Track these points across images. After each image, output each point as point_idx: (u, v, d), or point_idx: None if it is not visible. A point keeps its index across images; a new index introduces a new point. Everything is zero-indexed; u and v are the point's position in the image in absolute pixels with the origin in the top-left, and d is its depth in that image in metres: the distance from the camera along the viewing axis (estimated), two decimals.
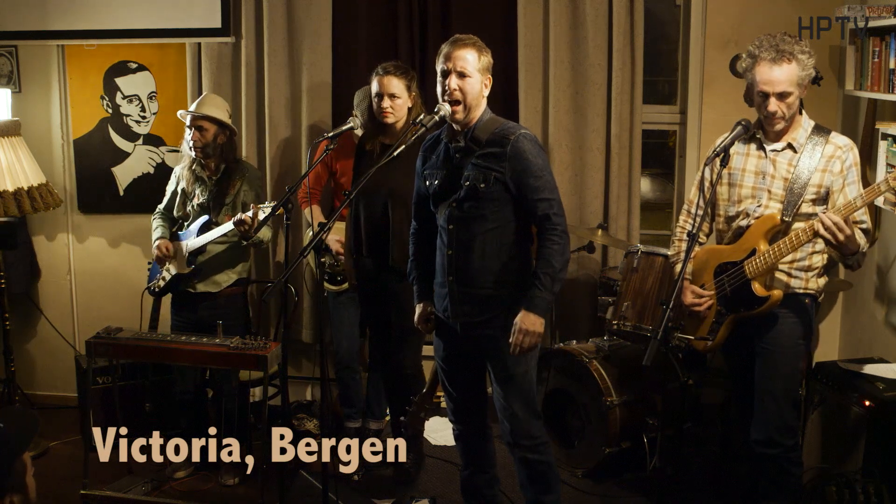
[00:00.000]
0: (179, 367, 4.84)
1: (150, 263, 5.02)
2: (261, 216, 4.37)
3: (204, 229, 4.63)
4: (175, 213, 4.78)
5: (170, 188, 4.86)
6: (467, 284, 3.60)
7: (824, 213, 3.29)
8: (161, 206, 4.88)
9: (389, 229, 4.35)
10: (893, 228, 4.60)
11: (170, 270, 4.73)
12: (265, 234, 4.64)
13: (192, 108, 4.65)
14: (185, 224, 4.74)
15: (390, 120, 4.38)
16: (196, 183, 4.69)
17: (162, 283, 4.77)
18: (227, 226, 4.50)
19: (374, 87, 4.40)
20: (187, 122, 4.62)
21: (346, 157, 4.80)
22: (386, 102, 4.36)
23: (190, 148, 4.62)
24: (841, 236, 3.23)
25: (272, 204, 4.40)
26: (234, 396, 4.77)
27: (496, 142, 3.51)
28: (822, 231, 3.26)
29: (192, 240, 4.64)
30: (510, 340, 3.49)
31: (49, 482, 4.57)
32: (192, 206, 4.70)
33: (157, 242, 4.73)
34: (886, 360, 4.31)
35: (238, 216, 4.42)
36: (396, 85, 4.37)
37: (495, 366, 3.66)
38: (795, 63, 3.41)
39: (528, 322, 3.47)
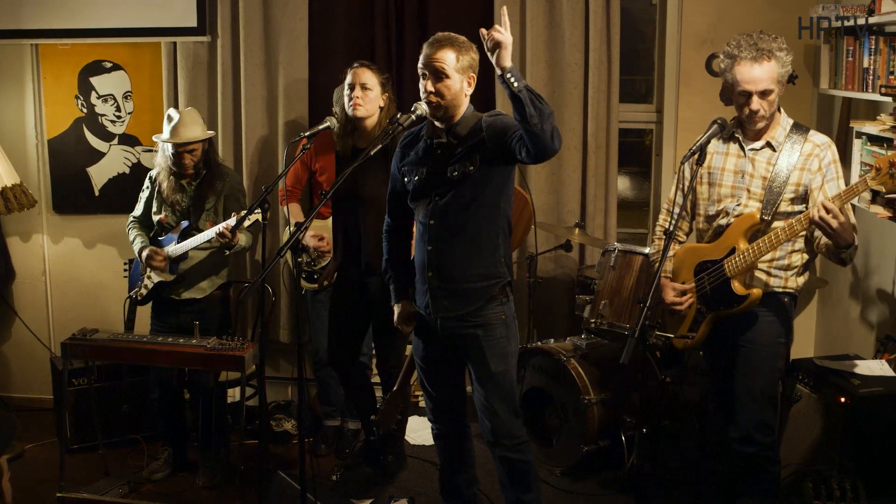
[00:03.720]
0: (156, 369, 4.81)
1: (126, 270, 5.00)
2: (245, 224, 4.37)
3: (184, 236, 4.60)
4: (153, 217, 4.73)
5: (144, 195, 4.80)
6: (447, 279, 3.59)
7: (822, 199, 3.28)
8: (136, 214, 4.82)
9: (367, 231, 4.34)
10: (868, 226, 4.63)
11: (151, 278, 4.68)
12: (245, 240, 4.62)
13: (168, 134, 4.53)
14: (165, 230, 4.69)
15: (360, 112, 4.35)
16: (177, 191, 4.65)
17: (144, 292, 4.72)
18: (209, 233, 4.47)
19: (347, 79, 4.40)
20: (171, 150, 4.54)
21: (325, 155, 4.79)
22: (357, 92, 4.34)
23: (171, 164, 4.58)
24: (835, 223, 3.21)
25: (254, 210, 4.37)
26: (211, 397, 4.75)
27: (475, 131, 3.52)
28: (816, 216, 3.24)
29: (172, 246, 4.61)
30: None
31: (25, 485, 4.54)
32: (176, 213, 4.66)
33: (145, 252, 4.64)
34: (861, 356, 4.34)
35: (219, 227, 4.39)
36: (369, 77, 4.36)
37: (476, 365, 3.66)
38: (775, 61, 3.44)
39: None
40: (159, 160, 4.68)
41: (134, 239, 4.75)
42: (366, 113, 4.37)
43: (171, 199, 4.64)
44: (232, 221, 4.36)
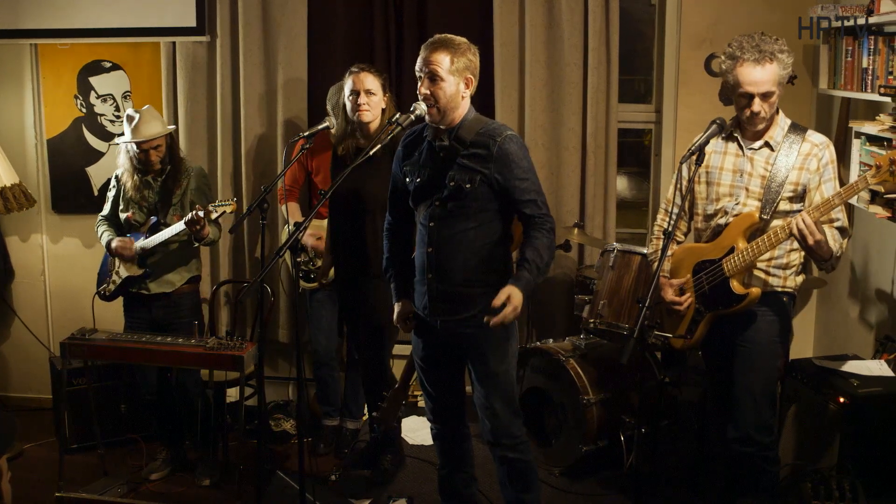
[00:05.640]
0: (141, 369, 4.81)
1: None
2: (213, 216, 4.45)
3: (153, 230, 4.60)
4: (121, 215, 4.71)
5: (110, 195, 4.79)
6: (446, 282, 3.59)
7: (803, 213, 3.31)
8: (104, 214, 4.80)
9: (365, 232, 4.34)
10: (867, 226, 4.64)
11: (120, 273, 4.69)
12: (213, 233, 4.63)
13: (130, 134, 4.53)
14: (134, 228, 4.68)
15: (367, 117, 4.37)
16: (143, 188, 4.65)
17: (113, 287, 4.72)
18: (178, 226, 4.48)
19: (349, 85, 4.39)
20: (135, 149, 4.56)
21: (320, 155, 4.79)
22: (362, 98, 4.35)
23: (137, 162, 4.59)
24: (811, 240, 3.27)
25: (223, 202, 4.47)
26: (196, 395, 4.76)
27: (481, 143, 3.51)
28: (795, 231, 3.29)
29: (142, 241, 4.60)
30: (493, 314, 3.33)
31: (24, 485, 4.53)
32: (143, 210, 4.66)
33: (114, 243, 4.65)
34: (860, 356, 4.34)
35: (189, 216, 4.40)
36: (372, 81, 4.37)
37: (476, 365, 3.66)
38: (777, 63, 3.44)
39: (515, 296, 3.35)
40: (122, 161, 4.68)
41: (102, 233, 4.75)
42: (372, 118, 4.39)
43: (137, 197, 4.65)
44: (201, 213, 4.39)
